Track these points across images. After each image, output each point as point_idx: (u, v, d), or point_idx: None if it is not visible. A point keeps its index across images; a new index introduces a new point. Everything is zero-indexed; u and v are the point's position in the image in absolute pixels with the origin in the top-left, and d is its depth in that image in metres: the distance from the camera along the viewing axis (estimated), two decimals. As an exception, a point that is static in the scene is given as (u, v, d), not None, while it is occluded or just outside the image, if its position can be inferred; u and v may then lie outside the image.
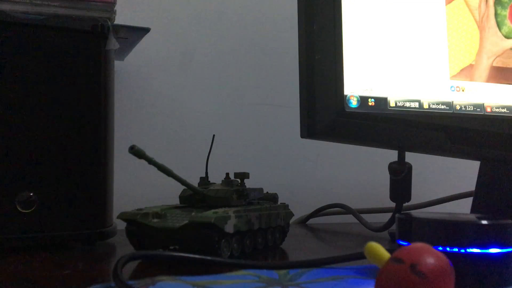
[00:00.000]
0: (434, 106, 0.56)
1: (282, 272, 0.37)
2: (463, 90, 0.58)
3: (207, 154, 0.57)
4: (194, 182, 0.53)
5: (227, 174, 0.55)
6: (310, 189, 0.92)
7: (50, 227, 0.52)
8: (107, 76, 0.58)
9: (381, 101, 0.54)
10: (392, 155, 0.58)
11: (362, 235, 0.68)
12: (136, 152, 0.44)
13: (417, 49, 0.57)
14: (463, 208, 0.72)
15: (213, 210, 0.46)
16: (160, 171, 0.47)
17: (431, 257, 0.26)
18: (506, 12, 0.61)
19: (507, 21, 0.61)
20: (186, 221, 0.45)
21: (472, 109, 0.58)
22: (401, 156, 0.58)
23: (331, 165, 0.94)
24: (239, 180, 0.55)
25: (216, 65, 0.89)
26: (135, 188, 0.79)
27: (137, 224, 0.47)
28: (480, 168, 0.63)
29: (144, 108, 0.83)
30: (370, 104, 0.53)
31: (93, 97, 0.56)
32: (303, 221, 0.85)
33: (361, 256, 0.39)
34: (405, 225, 0.39)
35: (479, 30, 0.60)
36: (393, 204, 0.60)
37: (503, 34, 0.61)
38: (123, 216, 0.48)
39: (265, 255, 0.51)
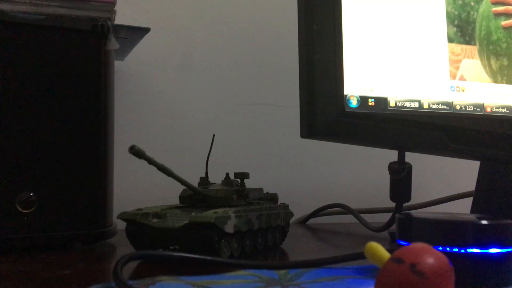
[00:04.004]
0: (434, 106, 0.56)
1: (282, 272, 0.37)
2: (463, 90, 0.58)
3: (207, 154, 0.57)
4: (194, 182, 0.53)
5: (227, 174, 0.55)
6: (310, 189, 0.92)
7: (50, 227, 0.52)
8: (107, 76, 0.58)
9: (381, 101, 0.54)
10: (392, 155, 0.58)
11: (362, 235, 0.68)
12: (136, 152, 0.44)
13: (417, 49, 0.57)
14: (463, 208, 0.72)
15: (213, 210, 0.46)
16: (160, 171, 0.47)
17: (431, 257, 0.26)
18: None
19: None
20: (186, 221, 0.45)
21: (472, 109, 0.58)
22: (401, 156, 0.58)
23: (331, 165, 0.94)
24: (239, 180, 0.55)
25: (216, 65, 0.89)
26: (135, 188, 0.79)
27: (137, 224, 0.47)
28: (480, 168, 0.63)
29: (144, 108, 0.83)
30: (370, 104, 0.53)
31: (93, 97, 0.56)
32: (303, 221, 0.85)
33: (361, 256, 0.39)
34: (405, 225, 0.39)
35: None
36: (393, 204, 0.60)
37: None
38: (123, 216, 0.48)
39: (265, 255, 0.51)
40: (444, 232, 0.36)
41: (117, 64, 0.66)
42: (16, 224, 0.51)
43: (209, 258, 0.38)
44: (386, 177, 0.59)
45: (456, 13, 0.59)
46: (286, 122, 0.89)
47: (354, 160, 0.95)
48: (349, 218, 0.80)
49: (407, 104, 0.55)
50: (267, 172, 0.88)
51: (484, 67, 0.60)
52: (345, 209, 0.79)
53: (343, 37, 0.53)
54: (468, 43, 0.59)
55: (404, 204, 0.60)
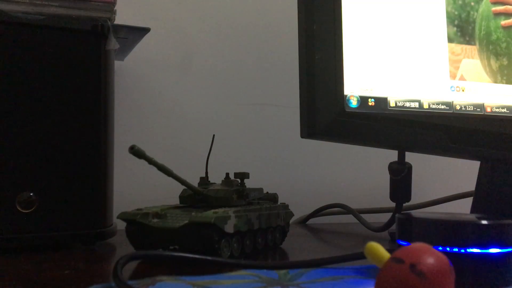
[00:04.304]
0: (434, 106, 0.56)
1: (282, 272, 0.37)
2: (463, 90, 0.58)
3: (207, 154, 0.57)
4: (194, 182, 0.53)
5: (227, 174, 0.55)
6: (310, 189, 0.92)
7: (50, 227, 0.52)
8: (107, 76, 0.58)
9: (381, 101, 0.54)
10: (392, 155, 0.58)
11: (362, 235, 0.68)
12: (136, 152, 0.44)
13: (417, 49, 0.57)
14: (463, 208, 0.72)
15: (213, 210, 0.46)
16: (160, 171, 0.47)
17: (431, 257, 0.26)
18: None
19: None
20: (186, 221, 0.45)
21: (472, 109, 0.58)
22: (401, 156, 0.58)
23: (331, 165, 0.94)
24: (239, 180, 0.55)
25: (216, 65, 0.89)
26: (135, 188, 0.79)
27: (137, 224, 0.47)
28: (480, 168, 0.63)
29: (144, 108, 0.83)
30: (370, 104, 0.53)
31: (93, 97, 0.56)
32: (303, 221, 0.85)
33: (361, 256, 0.39)
34: (405, 225, 0.39)
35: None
36: (393, 204, 0.60)
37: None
38: (123, 216, 0.48)
39: (265, 255, 0.51)
40: (444, 232, 0.36)
41: (117, 64, 0.66)
42: (16, 224, 0.51)
43: (209, 258, 0.38)
44: (386, 177, 0.59)
45: (456, 13, 0.59)
46: (286, 122, 0.89)
47: (354, 160, 0.95)
48: (349, 218, 0.80)
49: (407, 104, 0.55)
50: (267, 172, 0.88)
51: (484, 67, 0.60)
52: (345, 209, 0.79)
53: (343, 37, 0.53)
54: (468, 43, 0.59)
55: (404, 204, 0.60)
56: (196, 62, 0.87)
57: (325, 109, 0.51)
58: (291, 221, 0.60)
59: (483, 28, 0.60)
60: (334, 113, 0.51)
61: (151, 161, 0.45)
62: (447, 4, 0.58)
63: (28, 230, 0.51)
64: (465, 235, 0.36)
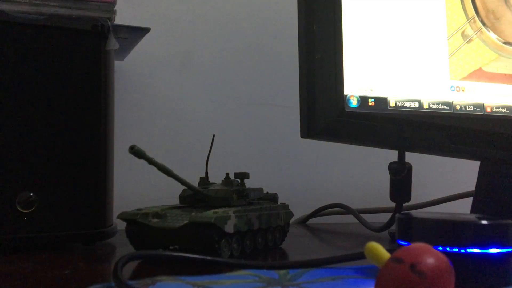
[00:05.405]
0: (434, 106, 0.56)
1: (282, 272, 0.37)
2: (463, 90, 0.58)
3: (207, 154, 0.57)
4: (194, 182, 0.53)
5: (227, 174, 0.55)
6: (310, 189, 0.92)
7: (50, 227, 0.52)
8: (107, 76, 0.58)
9: (381, 101, 0.54)
10: (392, 155, 0.58)
11: (362, 235, 0.68)
12: (136, 152, 0.44)
13: (417, 49, 0.57)
14: (463, 208, 0.72)
15: (213, 210, 0.46)
16: (160, 171, 0.47)
17: (431, 257, 0.26)
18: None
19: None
20: (186, 221, 0.45)
21: (472, 109, 0.58)
22: (401, 156, 0.58)
23: (331, 165, 0.94)
24: (239, 180, 0.55)
25: (216, 65, 0.89)
26: (135, 188, 0.79)
27: (137, 224, 0.47)
28: (480, 168, 0.63)
29: (144, 108, 0.83)
30: (370, 104, 0.53)
31: (93, 97, 0.56)
32: (303, 221, 0.85)
33: (361, 256, 0.39)
34: (405, 225, 0.39)
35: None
36: (393, 204, 0.60)
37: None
38: (123, 216, 0.48)
39: (265, 255, 0.51)
40: (444, 232, 0.36)
41: (117, 64, 0.66)
42: (16, 224, 0.51)
43: (209, 258, 0.38)
44: (386, 177, 0.59)
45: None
46: (286, 122, 0.89)
47: (354, 160, 0.95)
48: (349, 218, 0.80)
49: (407, 104, 0.55)
50: (267, 172, 0.88)
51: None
52: (345, 209, 0.79)
53: (343, 37, 0.53)
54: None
55: (404, 204, 0.60)
56: (196, 62, 0.87)
57: (325, 109, 0.51)
58: (291, 221, 0.60)
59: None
60: (334, 113, 0.51)
61: (151, 161, 0.45)
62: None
63: (28, 230, 0.51)
64: (465, 235, 0.36)
